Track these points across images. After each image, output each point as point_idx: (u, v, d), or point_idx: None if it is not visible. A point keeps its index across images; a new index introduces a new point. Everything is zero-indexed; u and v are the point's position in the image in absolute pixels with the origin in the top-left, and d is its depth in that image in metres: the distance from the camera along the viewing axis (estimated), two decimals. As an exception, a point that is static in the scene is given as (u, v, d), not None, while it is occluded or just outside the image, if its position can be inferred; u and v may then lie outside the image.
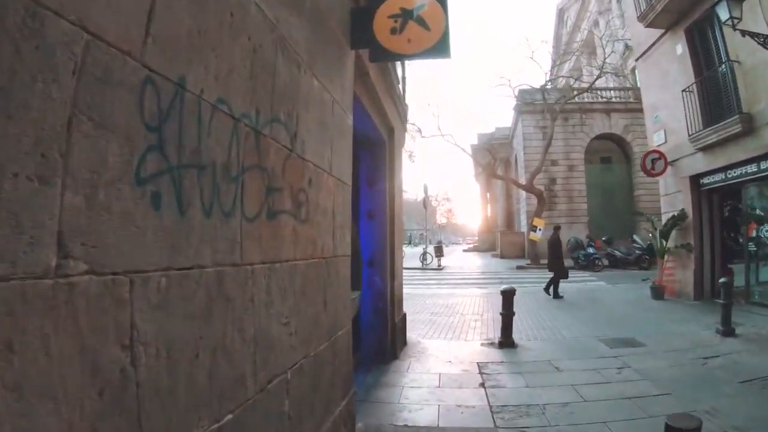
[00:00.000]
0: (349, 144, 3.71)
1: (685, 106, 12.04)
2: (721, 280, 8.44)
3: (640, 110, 28.93)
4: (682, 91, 12.04)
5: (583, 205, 30.78)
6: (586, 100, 30.27)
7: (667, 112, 13.36)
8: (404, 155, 30.13)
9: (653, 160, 13.24)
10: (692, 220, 12.42)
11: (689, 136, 11.90)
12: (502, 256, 33.34)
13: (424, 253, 28.22)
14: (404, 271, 8.05)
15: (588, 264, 22.19)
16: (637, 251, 22.38)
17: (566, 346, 7.58)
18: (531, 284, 17.41)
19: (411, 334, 8.40)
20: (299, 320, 2.60)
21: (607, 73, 27.27)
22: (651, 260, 21.51)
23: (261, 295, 2.17)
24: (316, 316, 2.90)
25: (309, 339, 2.76)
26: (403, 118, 7.34)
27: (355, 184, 6.31)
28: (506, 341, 7.46)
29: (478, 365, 6.46)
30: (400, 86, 7.30)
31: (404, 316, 7.54)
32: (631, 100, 30.63)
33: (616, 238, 24.04)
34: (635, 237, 23.41)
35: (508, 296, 7.49)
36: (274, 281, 2.30)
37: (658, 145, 13.66)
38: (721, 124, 10.79)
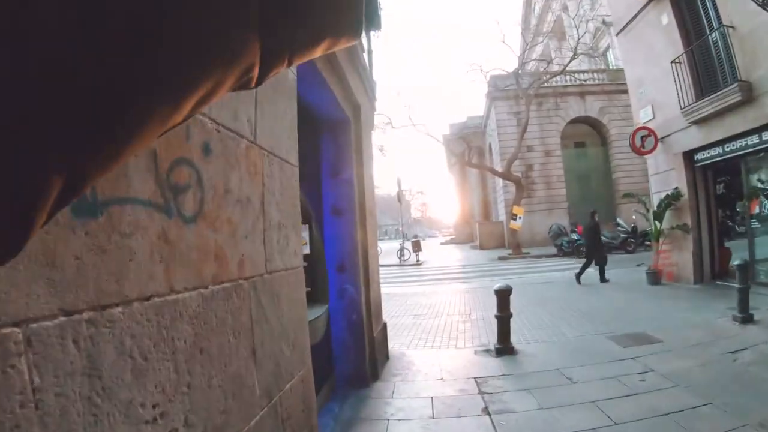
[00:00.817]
0: (292, 109, 2.60)
1: (675, 78, 11.24)
2: (736, 261, 7.57)
3: (616, 92, 29.25)
4: (671, 62, 11.25)
5: (562, 190, 30.30)
6: (559, 83, 29.70)
7: (654, 87, 12.57)
8: (375, 150, 29.29)
9: (642, 138, 12.42)
10: (688, 199, 11.62)
11: (681, 109, 11.13)
12: (481, 247, 32.67)
13: (401, 249, 27.18)
14: (381, 268, 7.20)
15: (573, 251, 21.45)
16: (622, 235, 21.69)
17: (573, 348, 6.59)
18: (517, 275, 16.56)
19: (393, 344, 7.36)
20: (195, 398, 1.52)
21: (581, 54, 26.56)
22: (636, 243, 20.99)
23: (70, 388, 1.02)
24: (236, 380, 1.81)
25: (221, 425, 1.69)
26: (370, 95, 6.24)
27: (317, 175, 5.23)
28: (504, 347, 6.45)
29: (476, 382, 5.41)
30: (366, 57, 6.21)
31: (384, 326, 6.47)
32: (606, 81, 30.21)
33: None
34: (619, 220, 22.76)
35: (503, 296, 6.46)
36: (113, 342, 1.17)
37: (646, 122, 12.86)
38: (717, 94, 10.02)
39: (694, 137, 11.22)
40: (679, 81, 11.17)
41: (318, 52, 0.60)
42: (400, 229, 35.31)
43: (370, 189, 5.89)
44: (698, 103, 10.63)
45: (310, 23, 0.57)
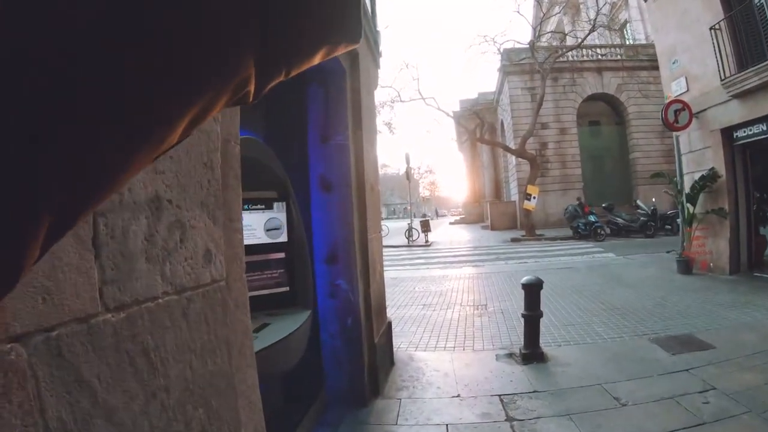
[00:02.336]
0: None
1: (714, 47, 10.05)
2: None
3: (635, 68, 28.01)
4: (710, 29, 10.04)
5: (577, 170, 29.12)
6: (576, 58, 28.36)
7: (689, 56, 11.34)
8: (383, 127, 28.09)
9: (676, 112, 11.15)
10: (726, 181, 10.48)
11: (722, 80, 9.94)
12: (492, 228, 31.53)
13: (410, 229, 26.02)
14: (388, 250, 6.31)
15: (590, 233, 20.29)
16: (642, 217, 20.46)
17: (612, 354, 5.49)
18: (533, 259, 15.45)
19: (400, 343, 6.32)
20: None
21: (600, 26, 25.10)
22: (656, 227, 19.91)
23: None
24: None
25: None
26: (372, 45, 5.05)
27: (301, 139, 4.11)
28: (532, 353, 5.36)
29: (502, 402, 4.33)
30: (368, 1, 5.02)
31: (389, 325, 5.39)
32: (624, 57, 28.91)
33: (614, 204, 22.26)
34: (639, 202, 21.49)
35: (533, 291, 5.34)
36: None
37: (679, 95, 11.61)
38: (765, 63, 8.86)
39: (735, 112, 10.07)
40: (719, 50, 9.99)
41: (316, 61, 0.55)
42: (409, 208, 34.19)
43: (371, 158, 4.74)
44: (742, 74, 9.45)
45: (308, 35, 0.52)
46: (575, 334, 6.39)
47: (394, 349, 5.79)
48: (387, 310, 8.36)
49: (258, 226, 3.38)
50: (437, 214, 78.31)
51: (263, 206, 3.39)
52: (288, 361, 3.01)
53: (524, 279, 5.41)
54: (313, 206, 4.02)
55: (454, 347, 6.17)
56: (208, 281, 1.41)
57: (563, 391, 4.51)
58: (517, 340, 6.21)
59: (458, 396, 4.51)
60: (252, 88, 0.49)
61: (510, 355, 5.58)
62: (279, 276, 3.47)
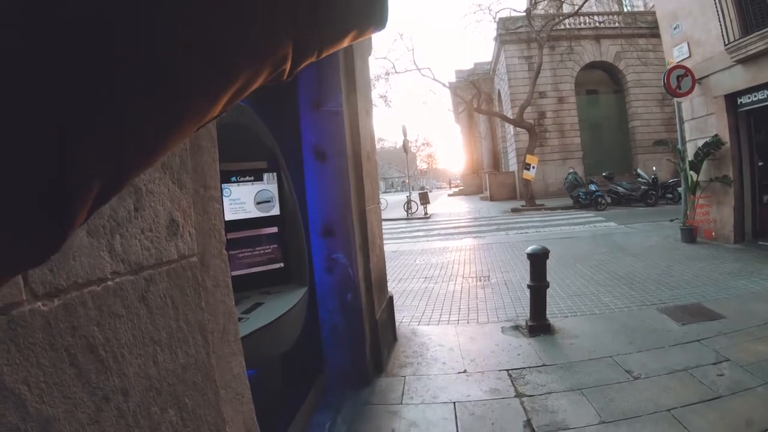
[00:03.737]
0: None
1: (717, 10, 9.70)
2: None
3: (634, 35, 27.54)
4: (714, -9, 9.64)
5: (576, 139, 28.88)
6: (573, 26, 27.87)
7: (691, 21, 10.98)
8: (378, 100, 27.66)
9: (678, 78, 10.84)
10: (730, 148, 10.23)
11: (725, 45, 9.60)
12: (491, 199, 31.37)
13: (408, 202, 25.71)
14: (387, 223, 6.12)
15: (590, 202, 20.09)
16: (643, 186, 20.22)
17: (621, 324, 5.31)
18: (534, 229, 15.30)
19: (402, 318, 6.15)
20: None
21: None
22: (657, 196, 19.74)
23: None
24: None
25: None
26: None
27: (292, 105, 3.85)
28: (539, 325, 5.18)
29: (510, 376, 4.16)
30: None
31: (390, 300, 5.18)
32: (622, 25, 28.43)
33: (614, 173, 22.06)
34: (639, 171, 21.22)
35: (539, 261, 5.12)
36: None
37: (680, 61, 11.31)
38: (771, 27, 8.52)
39: (739, 78, 9.76)
40: (723, 14, 9.65)
41: (346, 43, 0.57)
42: (407, 181, 33.88)
43: (367, 126, 4.47)
44: (746, 38, 9.10)
45: (339, 19, 0.55)
46: (582, 304, 6.21)
47: (397, 324, 5.62)
48: (388, 285, 8.22)
49: (248, 199, 3.15)
50: (434, 187, 77.98)
51: (252, 178, 3.16)
52: (284, 342, 2.81)
53: (529, 248, 5.18)
54: (306, 177, 3.77)
55: (458, 320, 5.99)
56: (174, 257, 1.18)
57: (573, 364, 4.33)
58: (522, 311, 6.03)
59: (465, 372, 4.33)
60: (288, 66, 0.51)
61: (516, 328, 5.41)
62: (272, 252, 3.26)
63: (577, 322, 5.49)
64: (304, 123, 3.79)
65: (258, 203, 3.18)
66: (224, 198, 3.08)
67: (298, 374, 3.70)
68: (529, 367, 4.32)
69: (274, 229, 3.24)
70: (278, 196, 3.22)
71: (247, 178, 3.14)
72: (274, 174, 3.19)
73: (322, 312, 3.95)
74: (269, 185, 3.19)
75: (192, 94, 0.44)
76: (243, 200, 3.14)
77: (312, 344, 3.89)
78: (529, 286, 5.22)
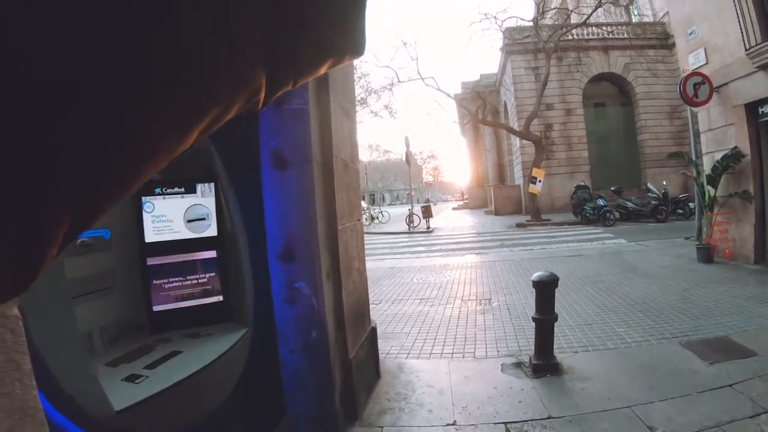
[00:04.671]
0: None
1: (737, 13, 9.02)
2: None
3: (643, 47, 26.94)
4: (734, -6, 9.00)
5: (584, 152, 28.27)
6: (581, 37, 27.34)
7: (708, 26, 10.27)
8: (383, 111, 27.31)
9: (695, 85, 10.17)
10: (751, 162, 9.47)
11: (746, 50, 8.91)
12: (496, 213, 30.79)
13: (410, 215, 24.95)
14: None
15: (598, 218, 19.38)
16: (653, 201, 19.54)
17: (640, 363, 4.59)
18: (539, 246, 14.58)
19: (390, 347, 5.48)
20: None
21: (606, 2, 23.96)
22: (668, 211, 19.09)
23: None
24: None
25: None
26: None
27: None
28: (545, 364, 4.46)
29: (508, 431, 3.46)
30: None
31: (373, 332, 4.48)
32: (631, 35, 27.85)
33: (623, 187, 21.41)
34: (649, 185, 20.56)
35: (546, 290, 4.40)
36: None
37: (697, 68, 10.61)
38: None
39: (761, 85, 9.02)
40: (743, 16, 8.95)
41: (323, 71, 0.59)
42: (411, 193, 33.26)
43: (345, 130, 3.78)
44: (771, 41, 8.43)
45: (315, 48, 0.56)
46: (593, 336, 5.49)
47: (383, 357, 4.93)
48: (379, 307, 7.51)
49: (176, 216, 2.48)
50: (439, 200, 77.50)
51: (183, 189, 2.49)
52: (203, 405, 2.13)
53: (536, 275, 4.46)
54: (264, 188, 3.08)
55: (452, 353, 5.27)
56: None
57: (584, 417, 3.61)
58: (525, 344, 5.32)
59: (454, 424, 3.61)
60: (262, 96, 0.52)
61: (518, 365, 4.69)
62: (208, 282, 2.59)
63: (589, 360, 4.77)
64: (263, 122, 3.11)
65: (189, 221, 2.50)
66: (146, 214, 2.42)
67: (255, 424, 3.04)
68: (532, 420, 3.60)
69: (212, 254, 2.56)
70: (215, 212, 2.54)
71: (176, 189, 2.47)
72: (211, 185, 2.52)
73: (283, 352, 3.24)
74: (204, 199, 2.52)
75: (163, 130, 0.43)
76: (170, 217, 2.47)
77: (271, 391, 3.20)
78: (534, 319, 4.50)
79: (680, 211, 19.53)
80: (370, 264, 12.43)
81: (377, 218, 31.39)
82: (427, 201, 29.67)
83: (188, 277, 2.53)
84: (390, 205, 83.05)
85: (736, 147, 9.66)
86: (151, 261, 2.41)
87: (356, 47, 0.59)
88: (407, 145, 24.58)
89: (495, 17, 23.96)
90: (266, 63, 0.49)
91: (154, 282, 2.48)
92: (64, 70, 0.34)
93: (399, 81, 26.91)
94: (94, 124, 0.37)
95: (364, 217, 29.47)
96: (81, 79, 0.35)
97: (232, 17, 0.44)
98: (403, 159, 28.58)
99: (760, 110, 9.31)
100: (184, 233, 2.49)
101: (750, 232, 9.50)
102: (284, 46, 0.50)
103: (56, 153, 0.36)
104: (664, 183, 21.03)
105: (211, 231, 2.53)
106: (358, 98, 34.36)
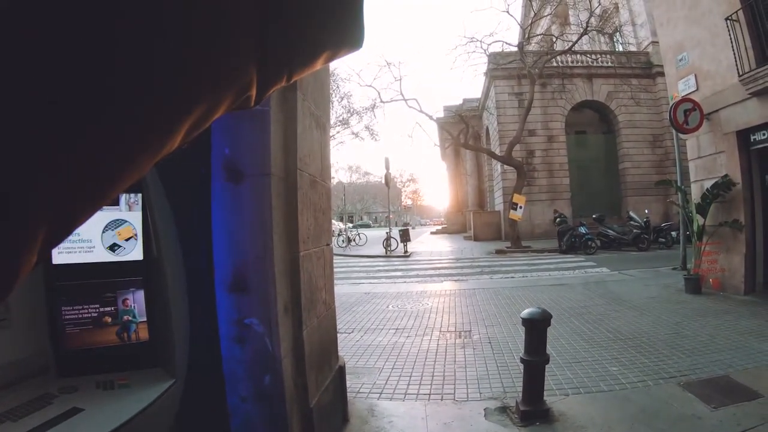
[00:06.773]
0: None
1: (731, 38, 8.88)
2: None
3: (626, 75, 27.08)
4: (726, 19, 8.89)
5: (565, 179, 28.09)
6: (566, 64, 27.45)
7: (699, 51, 10.18)
8: (365, 133, 27.22)
9: (686, 112, 9.98)
10: (741, 190, 9.30)
11: (739, 76, 8.77)
12: (475, 239, 30.38)
13: (388, 238, 24.31)
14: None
15: (579, 246, 19.10)
16: (635, 230, 19.40)
17: (638, 408, 4.13)
18: (521, 273, 14.17)
19: (361, 384, 4.96)
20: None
21: (591, 30, 24.03)
22: (650, 240, 18.99)
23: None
24: None
25: None
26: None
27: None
28: (534, 410, 3.98)
29: (495, 498, 2.96)
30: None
31: (340, 372, 3.96)
32: (615, 64, 28.07)
33: (604, 215, 21.25)
34: (632, 213, 20.43)
35: (537, 329, 3.93)
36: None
37: (687, 95, 10.44)
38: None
39: (754, 113, 8.90)
40: (736, 43, 8.83)
41: (318, 65, 0.56)
42: (390, 216, 32.80)
43: (314, 141, 3.30)
44: (764, 68, 8.25)
45: (309, 41, 0.52)
46: (585, 376, 5.02)
47: (352, 396, 4.43)
48: (351, 336, 6.98)
49: (93, 234, 1.97)
50: (418, 224, 77.42)
51: (102, 200, 2.00)
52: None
53: (525, 312, 3.97)
54: (214, 205, 2.60)
55: (430, 394, 4.73)
56: None
57: (583, 478, 3.14)
58: (510, 384, 4.84)
59: (432, 487, 3.11)
60: (254, 92, 0.48)
61: (504, 410, 4.19)
62: (131, 317, 2.06)
63: (582, 404, 4.29)
64: (215, 125, 2.63)
65: (109, 244, 1.99)
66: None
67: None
68: (523, 483, 3.11)
69: (135, 283, 2.05)
70: (142, 232, 2.04)
71: (92, 200, 1.97)
72: (138, 195, 2.02)
73: (232, 399, 2.71)
74: (128, 214, 2.02)
75: (145, 128, 0.40)
76: (86, 236, 1.96)
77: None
78: (522, 361, 4.02)
79: (662, 239, 19.45)
80: (345, 289, 11.91)
81: (354, 240, 30.78)
82: (405, 224, 29.20)
83: (105, 310, 2.02)
84: (369, 228, 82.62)
85: (726, 175, 9.50)
86: (60, 287, 1.90)
87: (354, 39, 0.55)
88: (387, 167, 24.16)
89: (480, 41, 23.88)
90: (257, 60, 0.45)
91: (64, 315, 1.97)
92: (43, 80, 0.33)
93: (382, 101, 26.60)
94: (73, 133, 0.35)
95: (341, 239, 28.96)
96: (59, 86, 0.33)
97: (220, 4, 0.40)
98: (383, 181, 28.19)
99: (752, 138, 9.18)
100: (102, 255, 1.99)
101: (740, 263, 9.29)
102: (276, 37, 0.46)
103: (35, 165, 0.34)
104: (647, 211, 20.97)
105: (136, 254, 2.04)
106: (340, 118, 34.05)
